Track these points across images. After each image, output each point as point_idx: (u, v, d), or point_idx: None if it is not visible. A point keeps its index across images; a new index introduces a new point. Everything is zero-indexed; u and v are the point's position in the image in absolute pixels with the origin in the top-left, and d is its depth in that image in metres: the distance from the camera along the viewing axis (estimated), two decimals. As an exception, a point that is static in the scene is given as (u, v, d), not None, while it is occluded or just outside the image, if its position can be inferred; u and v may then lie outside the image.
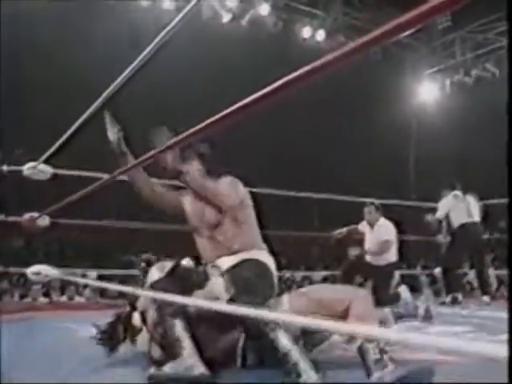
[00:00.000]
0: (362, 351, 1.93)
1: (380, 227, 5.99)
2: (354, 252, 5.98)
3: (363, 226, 6.16)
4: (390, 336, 0.97)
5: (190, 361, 2.07)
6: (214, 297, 2.26)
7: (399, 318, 3.92)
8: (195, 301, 2.13)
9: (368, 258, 6.03)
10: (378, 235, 5.89)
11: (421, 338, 0.91)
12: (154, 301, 2.25)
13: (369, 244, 6.08)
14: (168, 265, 2.36)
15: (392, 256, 5.94)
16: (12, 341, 2.83)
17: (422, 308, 4.28)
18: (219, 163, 2.96)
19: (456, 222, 6.12)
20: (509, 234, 5.45)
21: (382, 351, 1.91)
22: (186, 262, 6.26)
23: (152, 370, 2.07)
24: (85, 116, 3.12)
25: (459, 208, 6.11)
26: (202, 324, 2.23)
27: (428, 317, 4.21)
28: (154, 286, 2.22)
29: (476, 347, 0.81)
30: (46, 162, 3.98)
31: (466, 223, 6.03)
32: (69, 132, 3.37)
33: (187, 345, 2.10)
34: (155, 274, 2.32)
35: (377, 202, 6.13)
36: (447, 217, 6.28)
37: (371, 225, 6.06)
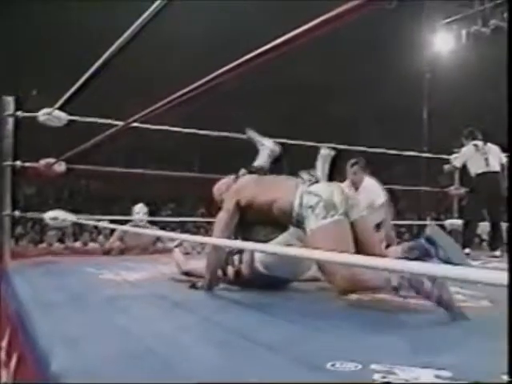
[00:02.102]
0: None
1: (367, 190, 5.34)
2: None
3: (346, 187, 5.76)
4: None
5: None
6: None
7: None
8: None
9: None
10: (365, 198, 5.01)
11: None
12: None
13: None
14: None
15: (379, 217, 5.22)
16: (36, 282, 2.90)
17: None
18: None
19: (473, 171, 5.98)
20: (509, 230, 5.37)
21: None
22: (139, 208, 6.08)
23: None
24: (99, 62, 3.08)
25: (477, 158, 5.93)
26: None
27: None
28: None
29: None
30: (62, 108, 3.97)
31: (484, 172, 5.86)
32: (83, 78, 3.34)
33: None
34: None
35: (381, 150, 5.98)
36: (463, 168, 6.15)
37: (356, 187, 5.40)
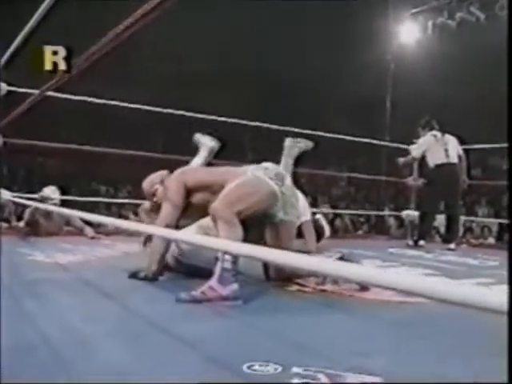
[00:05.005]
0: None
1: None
2: None
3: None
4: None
5: None
6: None
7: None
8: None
9: None
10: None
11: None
12: None
13: None
14: None
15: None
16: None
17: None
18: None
19: (432, 162, 5.75)
20: (509, 225, 5.21)
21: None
22: (51, 190, 5.54)
23: None
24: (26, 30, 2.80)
25: (436, 148, 5.68)
26: None
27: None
28: None
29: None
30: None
31: (442, 163, 5.62)
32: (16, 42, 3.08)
33: None
34: None
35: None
36: (422, 158, 5.94)
37: None
